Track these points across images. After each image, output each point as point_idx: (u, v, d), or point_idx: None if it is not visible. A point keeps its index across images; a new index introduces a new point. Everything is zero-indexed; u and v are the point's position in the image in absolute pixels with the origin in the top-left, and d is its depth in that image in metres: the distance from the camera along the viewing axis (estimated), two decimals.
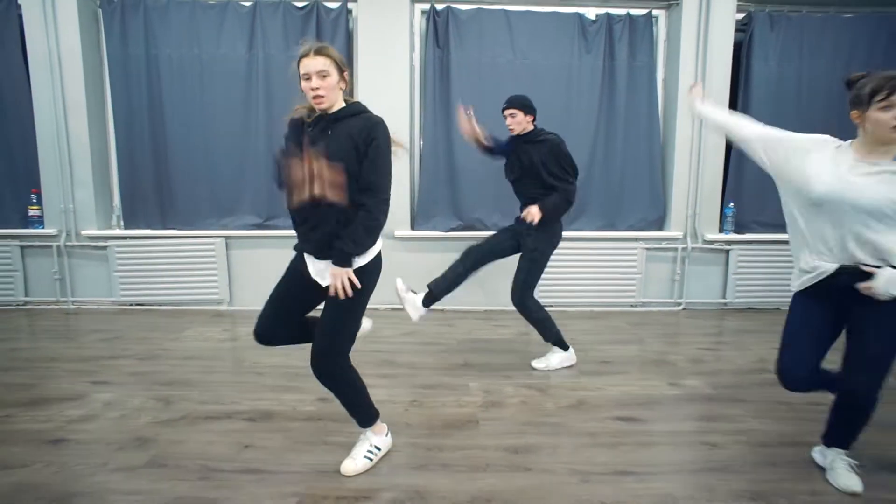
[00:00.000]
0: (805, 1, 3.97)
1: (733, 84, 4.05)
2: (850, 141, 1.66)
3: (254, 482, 1.77)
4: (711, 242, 4.14)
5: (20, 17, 3.76)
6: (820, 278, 1.66)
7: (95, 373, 2.73)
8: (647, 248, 4.15)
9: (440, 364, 2.92)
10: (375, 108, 1.79)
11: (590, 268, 4.11)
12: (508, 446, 2.03)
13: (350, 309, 1.75)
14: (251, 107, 3.95)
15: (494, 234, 3.00)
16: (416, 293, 2.77)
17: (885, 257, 1.56)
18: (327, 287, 1.72)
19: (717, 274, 4.22)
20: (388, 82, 3.89)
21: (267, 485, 1.76)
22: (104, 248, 3.99)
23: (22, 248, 3.96)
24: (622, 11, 3.99)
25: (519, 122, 2.77)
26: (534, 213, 2.66)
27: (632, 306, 4.20)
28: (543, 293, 4.08)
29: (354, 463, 1.84)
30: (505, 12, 3.91)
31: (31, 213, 3.95)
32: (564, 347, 2.92)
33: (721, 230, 4.18)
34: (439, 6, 3.90)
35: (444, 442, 2.06)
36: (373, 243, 1.75)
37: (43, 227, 3.96)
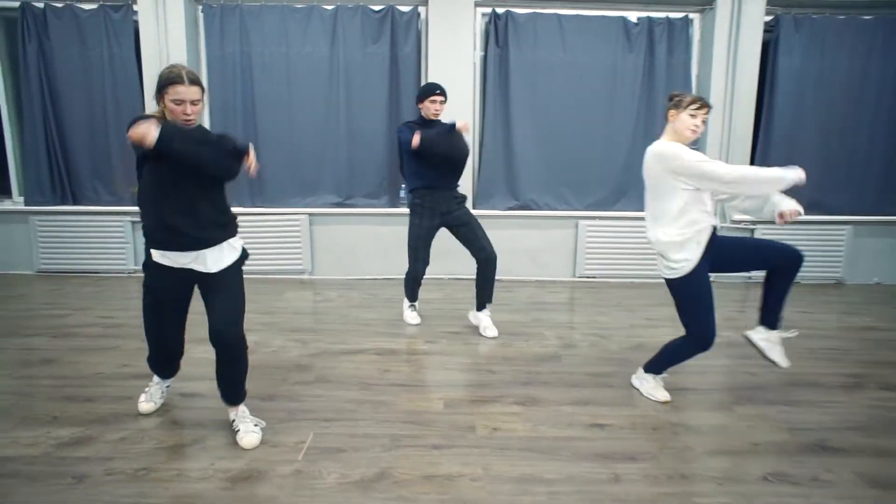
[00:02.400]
0: (828, 4, 4.43)
1: (760, 80, 4.52)
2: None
3: (405, 391, 2.33)
4: (738, 223, 4.63)
5: (135, 21, 4.29)
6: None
7: None
8: None
9: (513, 320, 3.45)
10: None
11: (630, 244, 4.60)
12: (589, 372, 2.58)
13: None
14: (332, 99, 4.47)
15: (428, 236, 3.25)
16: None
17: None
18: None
19: None
20: (453, 77, 4.38)
21: (416, 392, 2.32)
22: None
23: (133, 223, 4.52)
24: (662, 15, 4.46)
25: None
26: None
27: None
28: (588, 266, 4.60)
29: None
30: (557, 16, 4.39)
31: None
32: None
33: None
34: (500, 10, 4.38)
35: (538, 369, 2.61)
36: None
37: None
